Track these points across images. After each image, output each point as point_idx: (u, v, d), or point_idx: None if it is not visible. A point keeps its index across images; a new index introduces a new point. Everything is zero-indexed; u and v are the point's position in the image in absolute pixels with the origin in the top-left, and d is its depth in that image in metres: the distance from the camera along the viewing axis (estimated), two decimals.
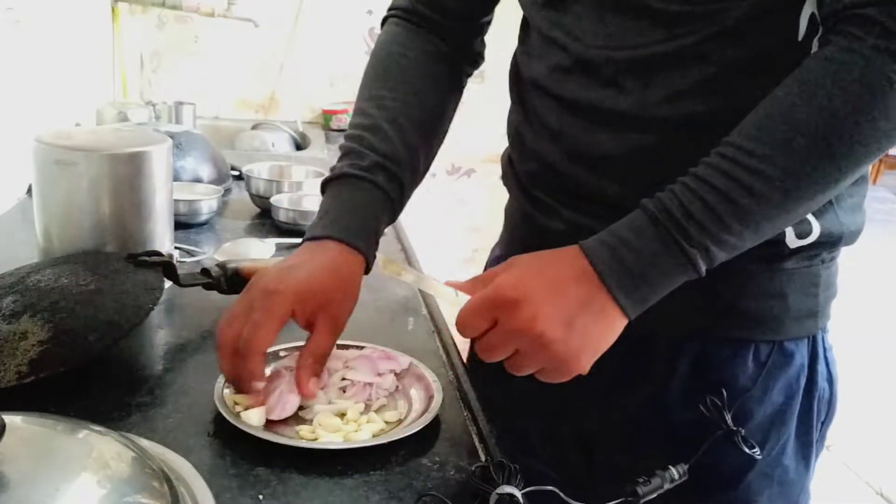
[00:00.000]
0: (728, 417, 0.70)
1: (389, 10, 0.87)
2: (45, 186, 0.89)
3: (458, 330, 0.65)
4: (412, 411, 0.72)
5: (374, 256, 0.73)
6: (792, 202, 0.60)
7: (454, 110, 0.86)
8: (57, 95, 1.64)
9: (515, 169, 0.84)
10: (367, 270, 0.73)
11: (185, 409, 0.70)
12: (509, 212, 0.90)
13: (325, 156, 2.01)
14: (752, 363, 0.73)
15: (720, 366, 0.73)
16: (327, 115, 2.45)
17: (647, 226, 0.61)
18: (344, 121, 2.40)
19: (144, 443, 0.57)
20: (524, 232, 0.84)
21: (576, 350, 0.62)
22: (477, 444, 0.70)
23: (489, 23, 0.88)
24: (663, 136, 0.67)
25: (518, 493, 0.57)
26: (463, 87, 0.88)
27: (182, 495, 0.51)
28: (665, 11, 0.66)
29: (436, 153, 0.84)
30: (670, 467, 0.67)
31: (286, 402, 0.69)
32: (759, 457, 0.70)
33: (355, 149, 0.76)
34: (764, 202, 0.59)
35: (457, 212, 2.75)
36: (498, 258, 0.90)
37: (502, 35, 0.94)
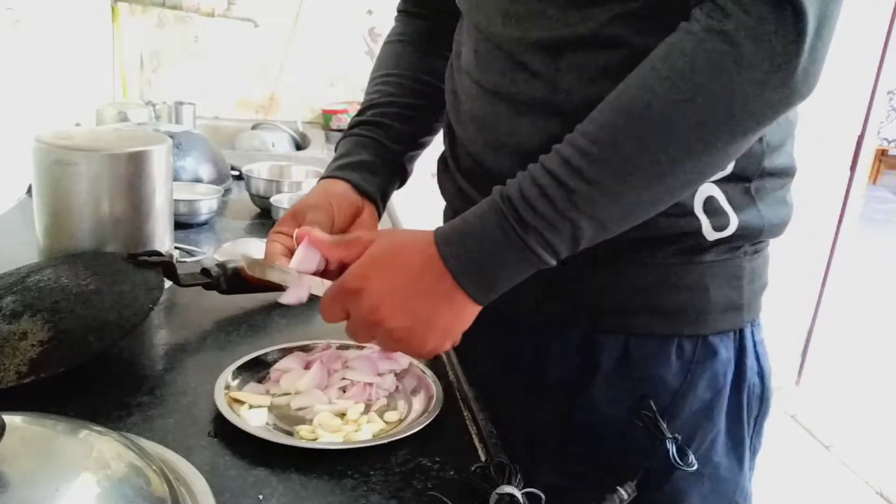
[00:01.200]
0: (664, 427, 0.69)
1: (396, 11, 0.95)
2: (45, 186, 0.89)
3: (322, 316, 0.67)
4: (412, 411, 0.72)
5: (357, 177, 0.81)
6: (627, 189, 0.59)
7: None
8: (57, 95, 1.64)
9: (448, 166, 0.83)
10: (364, 191, 0.81)
11: (185, 409, 0.70)
12: (445, 217, 0.88)
13: (324, 156, 2.01)
14: (676, 359, 0.72)
15: (644, 361, 0.72)
16: (327, 115, 2.45)
17: (488, 211, 0.62)
18: (344, 121, 2.40)
19: (144, 443, 0.57)
20: None
21: (422, 336, 0.64)
22: (477, 444, 0.70)
23: None
24: (580, 122, 0.63)
25: (518, 493, 0.57)
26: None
27: (182, 495, 0.51)
28: None
29: (439, 105, 0.87)
30: (619, 488, 0.67)
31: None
32: (694, 468, 0.69)
33: (352, 121, 0.87)
34: (595, 187, 0.58)
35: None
36: None
37: None
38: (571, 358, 0.74)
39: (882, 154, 6.73)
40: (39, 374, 0.68)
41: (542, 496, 0.57)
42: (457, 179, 0.80)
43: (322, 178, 0.82)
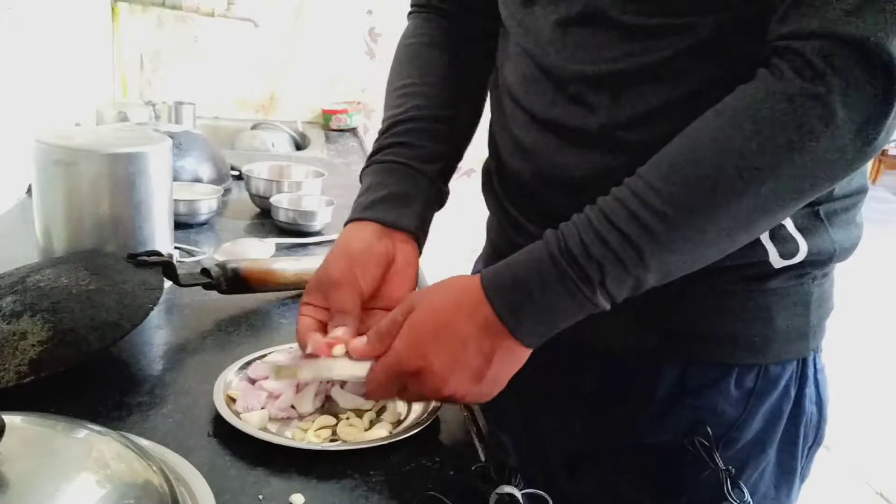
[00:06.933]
0: (719, 459, 0.67)
1: (410, 7, 0.88)
2: (45, 186, 0.89)
3: (368, 397, 0.65)
4: (412, 411, 0.72)
5: (391, 214, 0.72)
6: (700, 248, 0.57)
7: (484, 76, 0.83)
8: (57, 95, 1.64)
9: (493, 182, 0.80)
10: (398, 226, 0.73)
11: (185, 409, 0.70)
12: (489, 226, 0.86)
13: (324, 156, 2.01)
14: (735, 389, 0.69)
15: (700, 390, 0.69)
16: (327, 115, 2.44)
17: (548, 269, 0.58)
18: (344, 121, 2.40)
19: (144, 443, 0.57)
20: (503, 248, 0.78)
21: (489, 393, 0.63)
22: (477, 444, 0.70)
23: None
24: (634, 158, 0.60)
25: (518, 493, 0.57)
26: (488, 57, 0.82)
27: (182, 495, 0.51)
28: (634, 25, 0.61)
29: (473, 115, 0.83)
30: None
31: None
32: None
33: (376, 144, 0.79)
34: (667, 247, 0.56)
35: (456, 211, 2.75)
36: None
37: None
38: (627, 382, 0.72)
39: (882, 154, 6.73)
40: (39, 374, 0.68)
41: (547, 497, 0.57)
42: (501, 200, 0.78)
43: (349, 220, 0.74)
